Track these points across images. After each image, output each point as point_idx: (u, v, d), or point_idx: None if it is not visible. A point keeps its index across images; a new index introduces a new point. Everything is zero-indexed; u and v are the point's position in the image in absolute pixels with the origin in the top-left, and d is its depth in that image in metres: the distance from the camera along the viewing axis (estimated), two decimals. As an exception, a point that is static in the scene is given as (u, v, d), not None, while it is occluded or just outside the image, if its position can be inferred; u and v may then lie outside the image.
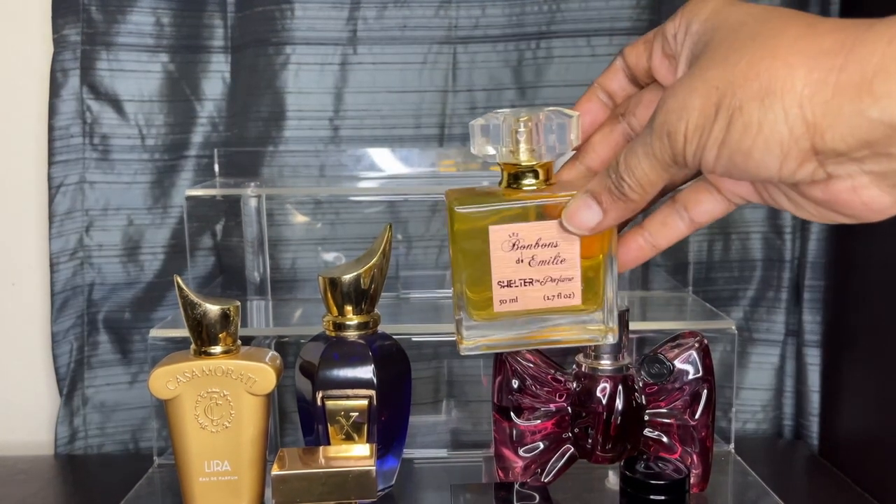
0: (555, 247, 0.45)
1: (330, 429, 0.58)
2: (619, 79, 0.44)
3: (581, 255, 0.45)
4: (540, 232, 0.45)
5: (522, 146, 0.44)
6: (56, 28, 0.76)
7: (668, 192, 0.45)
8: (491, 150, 0.45)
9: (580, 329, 0.47)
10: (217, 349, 0.57)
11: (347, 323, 0.59)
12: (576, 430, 0.56)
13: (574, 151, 0.47)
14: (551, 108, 0.44)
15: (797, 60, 0.30)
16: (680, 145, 0.34)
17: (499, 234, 0.45)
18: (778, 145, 0.30)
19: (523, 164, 0.45)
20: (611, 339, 0.47)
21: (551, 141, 0.44)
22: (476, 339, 0.47)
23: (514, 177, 0.45)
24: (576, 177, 0.46)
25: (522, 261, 0.45)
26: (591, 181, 0.41)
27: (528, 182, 0.45)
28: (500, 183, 0.46)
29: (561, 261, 0.45)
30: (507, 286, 0.46)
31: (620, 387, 0.54)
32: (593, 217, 0.41)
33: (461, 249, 0.45)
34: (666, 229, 0.44)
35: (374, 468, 0.52)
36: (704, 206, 0.43)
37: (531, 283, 0.45)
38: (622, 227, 0.45)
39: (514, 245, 0.45)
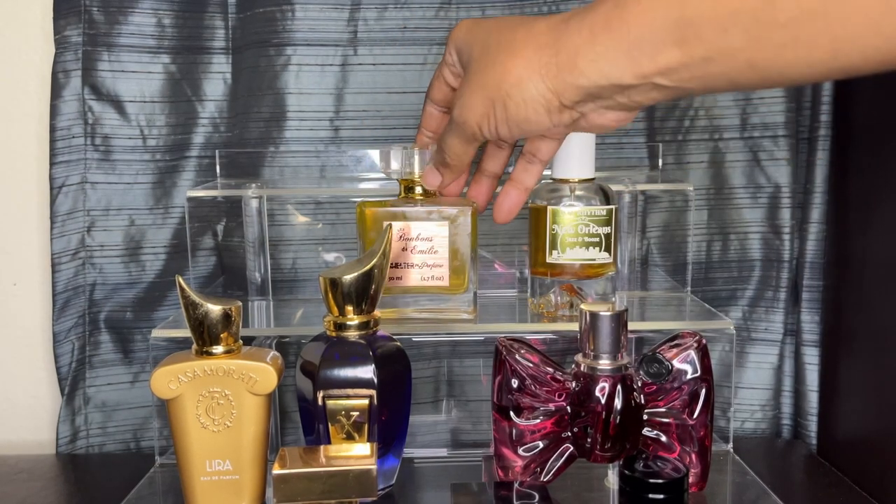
0: (430, 241, 0.63)
1: (331, 428, 0.59)
2: (437, 111, 0.60)
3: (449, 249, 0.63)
4: (420, 229, 0.63)
5: (415, 166, 0.63)
6: (57, 29, 0.76)
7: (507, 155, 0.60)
8: (395, 167, 0.63)
9: (455, 309, 0.64)
10: (218, 349, 0.57)
11: (348, 323, 0.60)
12: (575, 430, 0.57)
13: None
14: (430, 144, 0.62)
15: (530, 54, 0.43)
16: (473, 129, 0.49)
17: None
18: (542, 108, 0.44)
19: (414, 178, 0.63)
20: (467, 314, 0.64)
21: (426, 164, 0.61)
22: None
23: (407, 188, 0.64)
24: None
25: (406, 249, 0.63)
26: (434, 155, 0.58)
27: (416, 192, 0.64)
28: (398, 194, 0.64)
29: (434, 251, 0.63)
30: (395, 267, 0.63)
31: (619, 386, 0.55)
32: (437, 179, 0.58)
33: (368, 239, 0.63)
34: (527, 174, 0.59)
35: (374, 467, 0.53)
36: (544, 148, 0.57)
37: (412, 266, 0.63)
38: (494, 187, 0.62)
39: (401, 237, 0.63)
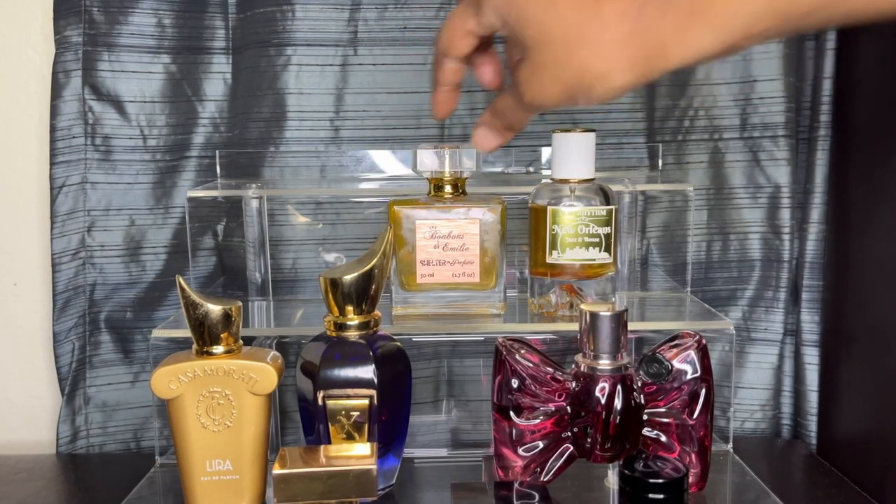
0: (461, 238, 0.65)
1: (331, 428, 0.59)
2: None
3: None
4: (451, 227, 0.65)
5: (445, 166, 0.65)
6: (58, 29, 0.76)
7: None
8: (427, 166, 0.65)
9: (484, 305, 0.67)
10: (219, 349, 0.57)
11: (348, 323, 0.60)
12: (575, 430, 0.57)
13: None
14: (460, 144, 0.65)
15: (612, 51, 0.42)
16: (550, 107, 0.48)
17: (422, 226, 0.65)
18: (629, 90, 0.44)
19: (444, 178, 0.66)
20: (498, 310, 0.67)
21: (457, 164, 0.65)
22: (405, 307, 0.67)
23: (437, 187, 0.67)
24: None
25: (438, 246, 0.65)
26: (488, 118, 0.52)
27: (446, 191, 0.66)
28: (427, 192, 0.67)
29: (465, 248, 0.65)
30: (427, 264, 0.65)
31: (619, 386, 0.55)
32: (495, 142, 0.53)
33: (398, 238, 0.65)
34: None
35: (374, 467, 0.53)
36: None
37: (444, 263, 0.65)
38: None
39: (432, 235, 0.65)
